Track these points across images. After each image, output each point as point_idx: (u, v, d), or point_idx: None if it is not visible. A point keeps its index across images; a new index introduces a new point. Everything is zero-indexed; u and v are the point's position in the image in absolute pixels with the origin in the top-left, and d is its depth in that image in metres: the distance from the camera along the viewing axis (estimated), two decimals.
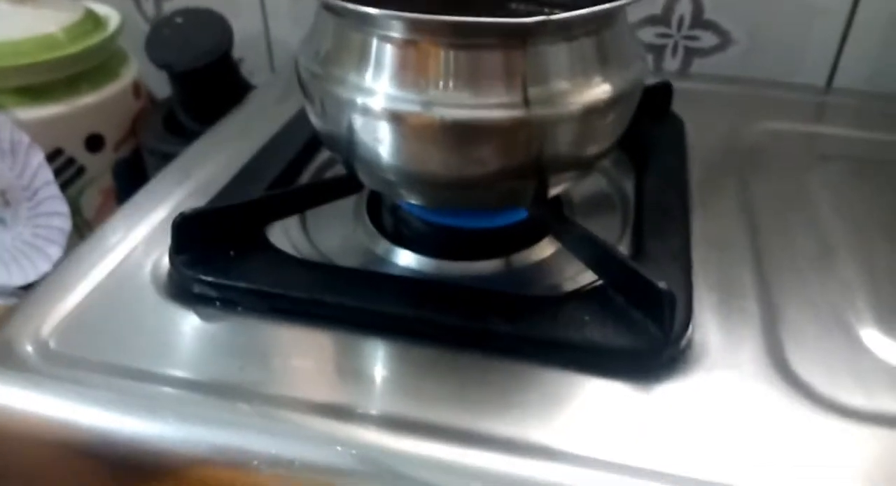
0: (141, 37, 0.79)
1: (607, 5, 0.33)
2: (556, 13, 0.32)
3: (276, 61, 0.80)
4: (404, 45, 0.33)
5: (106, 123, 0.68)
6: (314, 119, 0.39)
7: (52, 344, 0.35)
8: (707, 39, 0.66)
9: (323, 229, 0.45)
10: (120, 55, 0.71)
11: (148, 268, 0.40)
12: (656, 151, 0.50)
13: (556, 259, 0.42)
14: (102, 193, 0.70)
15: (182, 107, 0.63)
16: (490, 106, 0.33)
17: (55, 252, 0.67)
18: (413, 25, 0.33)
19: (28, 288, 0.67)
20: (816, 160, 0.51)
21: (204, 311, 0.37)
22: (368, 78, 0.34)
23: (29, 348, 0.35)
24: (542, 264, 0.42)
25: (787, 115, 0.57)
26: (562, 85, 0.34)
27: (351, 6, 0.32)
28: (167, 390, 0.33)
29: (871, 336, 0.36)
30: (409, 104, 0.33)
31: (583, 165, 0.38)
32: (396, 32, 0.33)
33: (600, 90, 0.35)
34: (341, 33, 0.36)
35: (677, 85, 0.56)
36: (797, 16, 0.63)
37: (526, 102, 0.33)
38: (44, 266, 0.67)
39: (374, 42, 0.34)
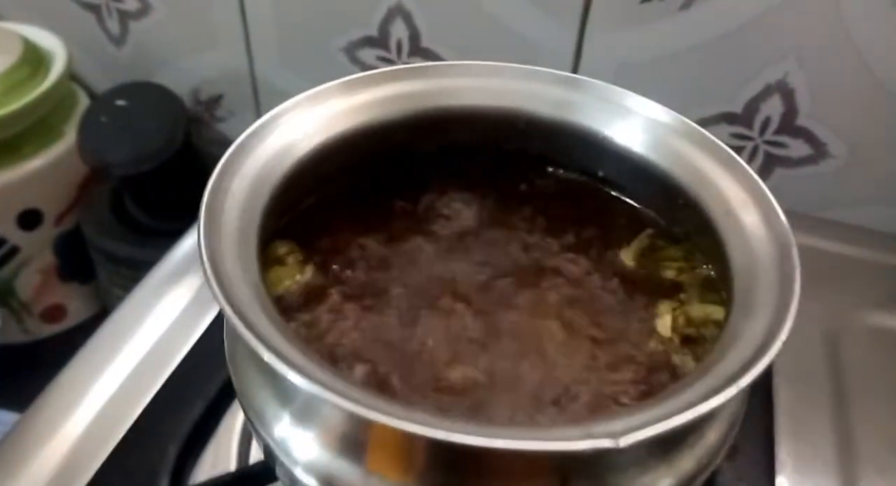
0: (104, 64, 0.66)
1: (682, 418, 0.19)
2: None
3: (262, 97, 0.66)
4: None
5: (45, 196, 0.55)
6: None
7: None
8: (796, 149, 0.52)
9: None
10: (66, 104, 0.57)
11: None
12: None
13: None
14: (42, 272, 0.58)
15: (132, 200, 0.50)
16: None
17: None
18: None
19: None
20: None
21: None
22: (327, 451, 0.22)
23: None
24: None
25: None
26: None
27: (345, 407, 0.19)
28: None
29: None
30: None
31: None
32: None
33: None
34: None
35: None
36: None
37: None
38: None
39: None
